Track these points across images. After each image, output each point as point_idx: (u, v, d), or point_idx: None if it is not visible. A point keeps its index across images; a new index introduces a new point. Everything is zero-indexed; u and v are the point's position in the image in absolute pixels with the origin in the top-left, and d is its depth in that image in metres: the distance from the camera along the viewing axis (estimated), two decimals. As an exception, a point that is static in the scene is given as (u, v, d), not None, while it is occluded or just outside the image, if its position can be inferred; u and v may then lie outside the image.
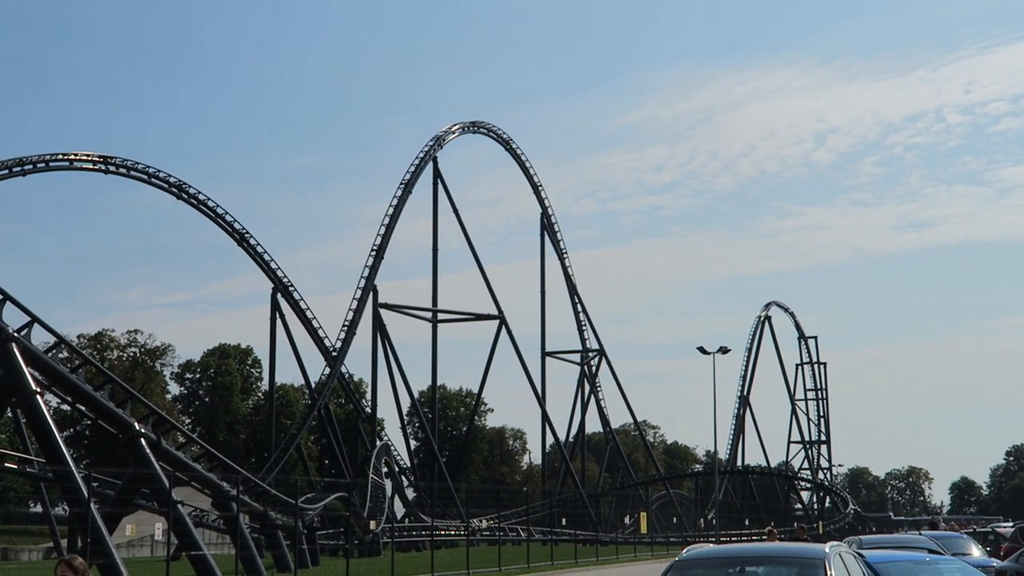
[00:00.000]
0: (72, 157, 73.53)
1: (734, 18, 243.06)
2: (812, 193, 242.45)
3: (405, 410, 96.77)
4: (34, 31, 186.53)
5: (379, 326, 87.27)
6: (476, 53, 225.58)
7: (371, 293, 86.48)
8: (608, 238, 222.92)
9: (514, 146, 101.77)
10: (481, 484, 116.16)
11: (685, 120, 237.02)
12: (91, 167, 74.95)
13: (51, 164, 72.09)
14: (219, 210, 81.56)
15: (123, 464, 41.35)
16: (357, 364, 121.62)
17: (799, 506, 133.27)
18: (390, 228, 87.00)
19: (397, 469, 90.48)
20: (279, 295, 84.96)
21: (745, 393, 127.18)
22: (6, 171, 69.31)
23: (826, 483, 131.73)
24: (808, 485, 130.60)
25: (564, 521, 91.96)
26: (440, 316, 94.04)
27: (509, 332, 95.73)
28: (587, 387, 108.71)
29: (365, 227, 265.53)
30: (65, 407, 59.66)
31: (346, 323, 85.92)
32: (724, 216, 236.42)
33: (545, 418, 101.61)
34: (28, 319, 33.95)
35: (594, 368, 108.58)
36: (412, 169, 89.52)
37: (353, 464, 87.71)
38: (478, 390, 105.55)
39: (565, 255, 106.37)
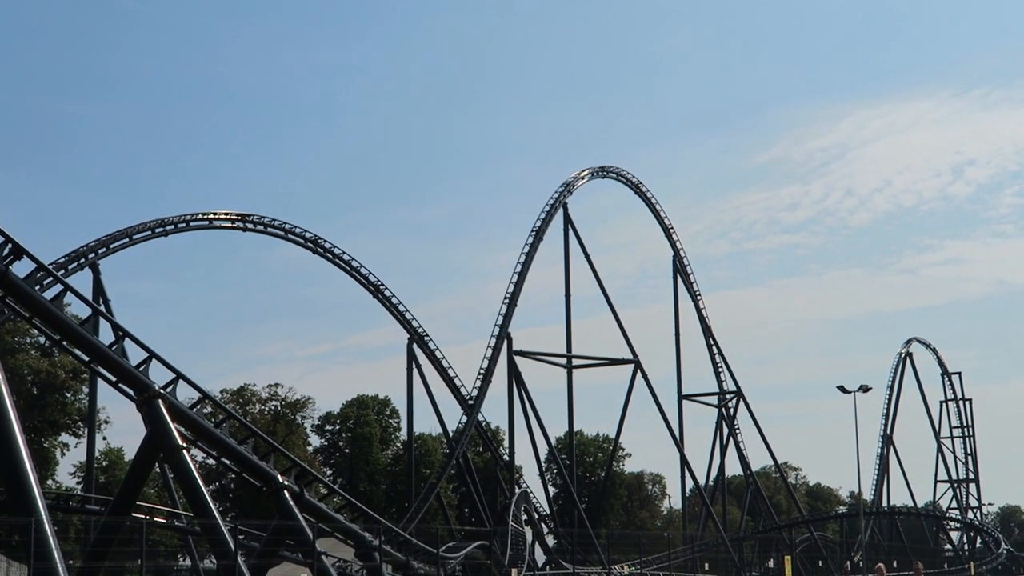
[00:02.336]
0: (211, 216, 75.44)
1: (867, 53, 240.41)
2: (951, 226, 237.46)
3: (543, 456, 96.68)
4: (174, 95, 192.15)
5: (514, 373, 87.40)
6: (604, 97, 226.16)
7: (505, 340, 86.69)
8: (743, 278, 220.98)
9: (644, 189, 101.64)
10: (621, 530, 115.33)
11: (819, 157, 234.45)
12: (230, 225, 76.79)
13: (191, 224, 74.08)
14: (354, 263, 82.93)
15: (267, 516, 41.99)
16: (493, 412, 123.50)
17: (948, 547, 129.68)
18: (522, 275, 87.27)
19: (536, 516, 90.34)
20: (415, 345, 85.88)
21: (888, 432, 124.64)
22: (148, 232, 71.41)
23: (976, 523, 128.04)
24: (957, 525, 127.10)
25: (707, 566, 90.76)
26: (575, 362, 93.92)
27: (645, 376, 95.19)
28: (725, 429, 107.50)
29: (498, 275, 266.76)
30: (210, 461, 60.90)
31: (481, 371, 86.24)
32: (861, 253, 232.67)
33: (684, 462, 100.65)
34: (173, 376, 34.77)
35: (732, 410, 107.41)
36: (543, 216, 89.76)
37: (492, 512, 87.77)
38: (615, 435, 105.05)
39: (699, 297, 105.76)
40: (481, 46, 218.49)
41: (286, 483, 37.00)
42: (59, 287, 32.81)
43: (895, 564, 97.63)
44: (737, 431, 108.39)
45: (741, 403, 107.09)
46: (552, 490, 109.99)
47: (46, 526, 24.34)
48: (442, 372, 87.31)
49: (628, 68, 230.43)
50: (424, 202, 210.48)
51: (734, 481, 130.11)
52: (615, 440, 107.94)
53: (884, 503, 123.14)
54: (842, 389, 64.61)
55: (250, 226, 77.33)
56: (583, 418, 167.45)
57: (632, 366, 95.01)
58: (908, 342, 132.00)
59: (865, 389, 65.10)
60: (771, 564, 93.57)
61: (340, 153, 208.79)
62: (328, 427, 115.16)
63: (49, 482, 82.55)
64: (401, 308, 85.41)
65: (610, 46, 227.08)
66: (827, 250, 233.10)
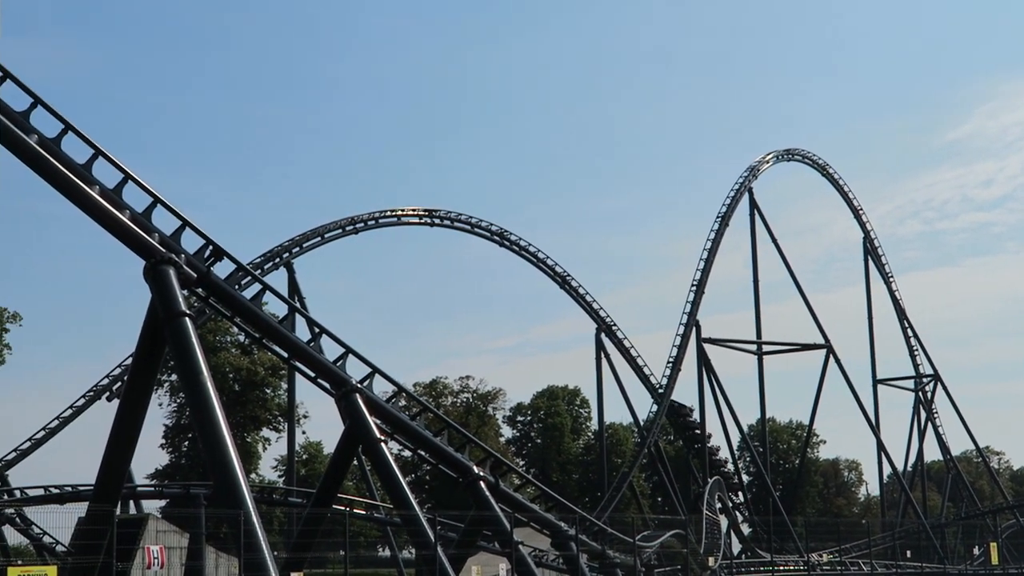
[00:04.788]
0: (399, 212, 76.82)
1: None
2: None
3: (735, 444, 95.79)
4: (361, 96, 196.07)
5: (704, 361, 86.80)
6: (787, 79, 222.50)
7: (694, 328, 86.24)
8: (936, 258, 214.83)
9: (831, 171, 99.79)
10: (818, 517, 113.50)
11: (1014, 131, 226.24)
12: (417, 221, 78.09)
13: (380, 221, 75.59)
14: (540, 255, 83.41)
15: (462, 507, 42.52)
16: (684, 400, 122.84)
17: None
18: (709, 262, 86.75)
19: (731, 504, 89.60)
20: (603, 335, 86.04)
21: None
22: (339, 230, 73.19)
23: None
24: None
25: (908, 553, 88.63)
26: (765, 348, 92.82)
27: (837, 361, 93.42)
28: (923, 414, 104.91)
29: (684, 262, 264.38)
30: (406, 453, 62.06)
31: (670, 359, 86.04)
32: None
33: (881, 448, 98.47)
34: (369, 370, 35.47)
35: (929, 394, 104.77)
36: (728, 201, 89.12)
37: (686, 500, 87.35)
38: (809, 421, 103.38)
39: (891, 278, 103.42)
40: (661, 33, 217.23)
41: (482, 474, 37.39)
42: (258, 286, 33.76)
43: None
44: (935, 415, 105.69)
45: (939, 386, 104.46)
46: (746, 478, 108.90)
47: (254, 518, 25.02)
48: (631, 361, 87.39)
49: (810, 47, 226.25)
50: (609, 192, 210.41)
51: (933, 466, 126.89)
52: (809, 426, 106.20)
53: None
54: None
55: (437, 221, 78.48)
56: (775, 405, 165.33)
57: (824, 351, 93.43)
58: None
59: (1071, 369, 62.62)
60: (976, 551, 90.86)
61: (525, 146, 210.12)
62: (519, 418, 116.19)
63: (253, 475, 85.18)
64: (588, 298, 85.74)
65: (792, 26, 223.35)
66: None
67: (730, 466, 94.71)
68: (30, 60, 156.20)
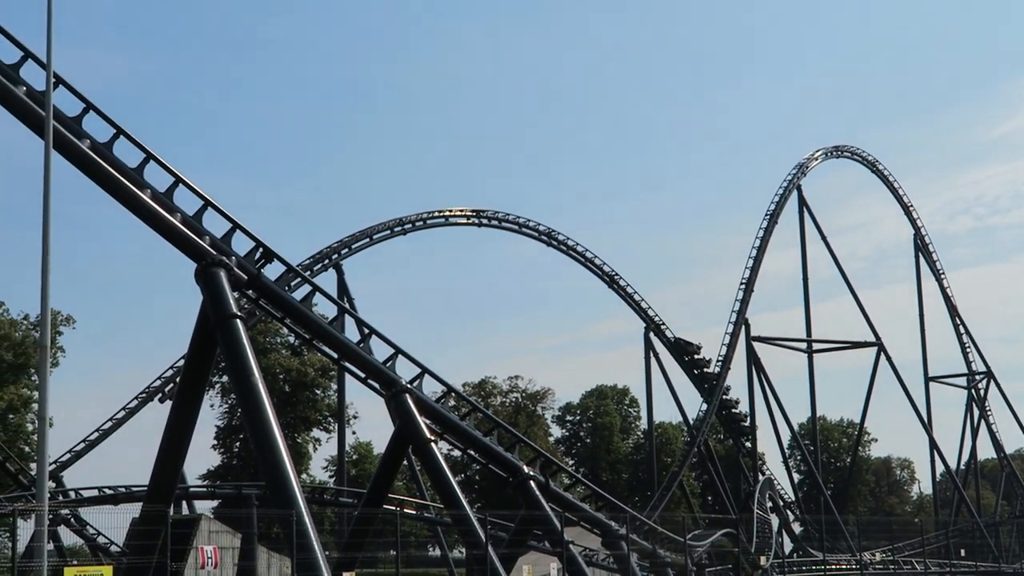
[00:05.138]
0: (447, 213, 76.96)
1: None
2: None
3: (786, 443, 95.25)
4: (408, 98, 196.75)
5: (753, 359, 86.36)
6: (835, 77, 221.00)
7: (743, 327, 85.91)
8: (988, 255, 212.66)
9: (880, 167, 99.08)
10: (870, 516, 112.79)
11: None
12: (465, 221, 78.14)
13: (428, 222, 75.82)
14: (588, 254, 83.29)
15: (511, 506, 42.58)
16: (733, 398, 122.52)
17: None
18: (758, 260, 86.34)
19: (782, 503, 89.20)
20: (651, 334, 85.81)
21: None
22: (388, 231, 73.43)
23: None
24: None
25: (962, 552, 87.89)
26: (815, 346, 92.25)
27: (889, 359, 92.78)
28: (976, 411, 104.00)
29: (732, 260, 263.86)
30: (455, 453, 62.20)
31: (720, 358, 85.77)
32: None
33: (933, 446, 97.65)
34: (419, 371, 35.63)
35: (982, 391, 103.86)
36: (776, 199, 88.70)
37: (736, 499, 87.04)
38: (860, 419, 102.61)
39: (943, 275, 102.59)
40: (708, 32, 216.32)
41: (532, 473, 37.45)
42: (308, 288, 33.95)
43: None
44: (988, 413, 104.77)
45: (991, 384, 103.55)
46: (796, 476, 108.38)
47: (306, 518, 25.13)
48: (680, 360, 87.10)
49: (859, 44, 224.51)
50: (656, 190, 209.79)
51: (987, 464, 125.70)
52: (860, 425, 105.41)
53: None
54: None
55: (485, 221, 78.55)
56: (825, 403, 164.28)
57: (875, 349, 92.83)
58: None
59: None
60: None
61: (571, 145, 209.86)
62: (568, 417, 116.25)
63: (303, 476, 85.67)
64: (636, 297, 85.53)
65: (841, 22, 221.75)
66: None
67: (779, 465, 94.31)
68: (81, 67, 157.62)
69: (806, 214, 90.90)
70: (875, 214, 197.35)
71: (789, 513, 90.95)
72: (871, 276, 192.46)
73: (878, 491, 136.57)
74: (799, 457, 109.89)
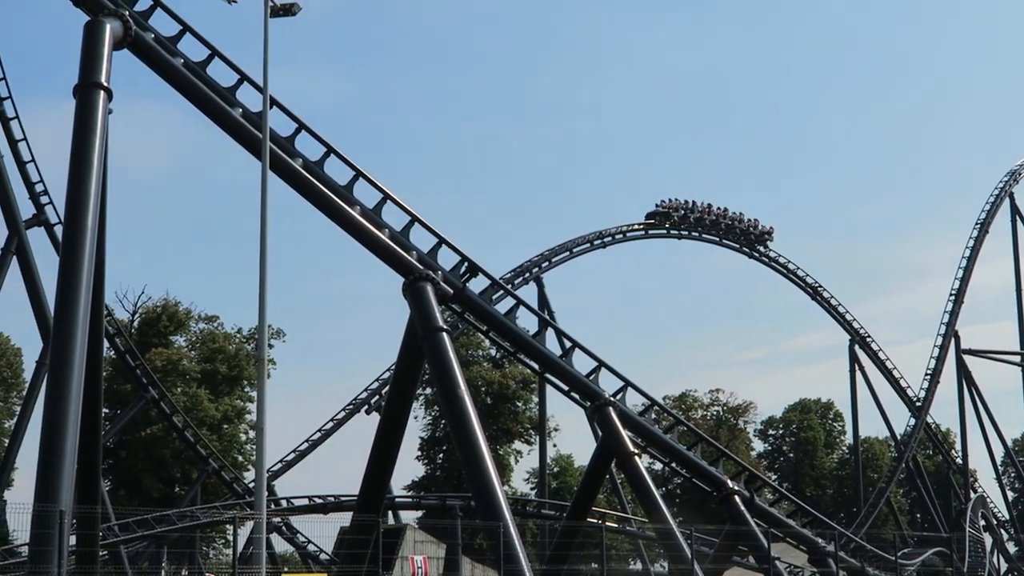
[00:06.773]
0: (647, 225, 76.98)
1: None
2: None
3: (999, 459, 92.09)
4: (598, 112, 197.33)
5: (964, 373, 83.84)
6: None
7: (952, 339, 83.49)
8: None
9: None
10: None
11: None
12: (664, 234, 78.05)
13: (628, 235, 75.86)
14: (791, 266, 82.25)
15: (712, 520, 42.16)
16: (943, 413, 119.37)
17: None
18: (968, 271, 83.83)
19: (995, 522, 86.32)
20: (857, 347, 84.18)
21: None
22: (587, 244, 73.69)
23: None
24: None
25: None
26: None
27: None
28: None
29: (941, 271, 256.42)
30: (656, 466, 62.00)
31: (928, 371, 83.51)
32: None
33: None
34: (621, 384, 35.62)
35: None
36: (987, 207, 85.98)
37: (947, 517, 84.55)
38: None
39: None
40: (911, 34, 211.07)
41: (736, 488, 37.05)
42: (510, 301, 34.29)
43: None
44: None
45: None
46: (1011, 494, 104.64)
47: (512, 530, 25.35)
48: (886, 373, 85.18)
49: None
50: (860, 200, 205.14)
51: None
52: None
53: None
54: None
55: (685, 234, 78.24)
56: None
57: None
58: None
59: None
60: None
61: (772, 155, 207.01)
62: (771, 431, 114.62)
63: (506, 488, 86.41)
64: (841, 309, 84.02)
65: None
66: None
67: (991, 482, 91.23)
68: (292, 89, 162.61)
69: (1019, 223, 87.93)
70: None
71: (1003, 532, 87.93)
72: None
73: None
74: (1013, 474, 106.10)
